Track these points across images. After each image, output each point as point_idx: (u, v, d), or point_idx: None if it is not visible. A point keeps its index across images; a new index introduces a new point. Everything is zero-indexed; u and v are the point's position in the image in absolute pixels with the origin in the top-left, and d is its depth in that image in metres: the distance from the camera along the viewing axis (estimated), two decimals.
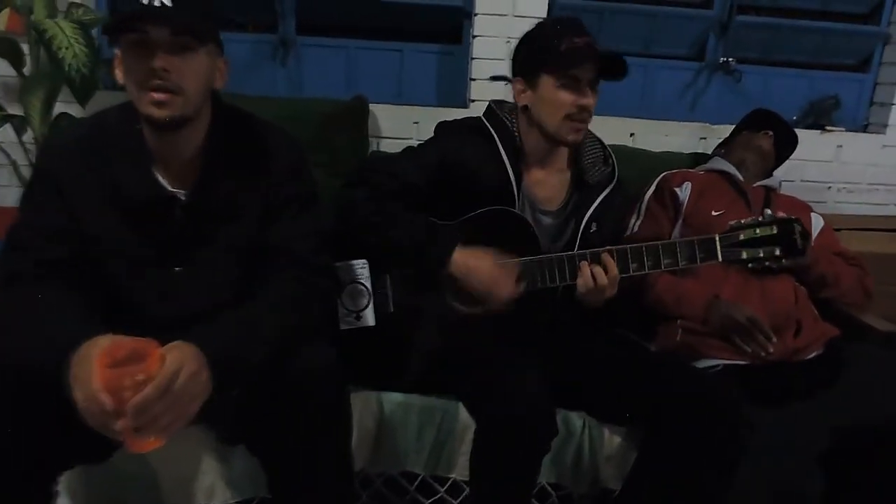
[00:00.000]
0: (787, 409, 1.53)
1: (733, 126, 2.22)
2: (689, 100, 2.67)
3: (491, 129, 1.62)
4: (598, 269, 1.47)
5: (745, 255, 1.48)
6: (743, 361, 1.68)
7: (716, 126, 2.53)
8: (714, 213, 1.90)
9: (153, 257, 1.28)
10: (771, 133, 2.12)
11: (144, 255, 1.28)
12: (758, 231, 1.48)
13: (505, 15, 2.40)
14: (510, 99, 1.65)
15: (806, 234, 1.49)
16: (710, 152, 2.28)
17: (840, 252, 1.95)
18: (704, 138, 2.54)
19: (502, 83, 2.34)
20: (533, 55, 1.56)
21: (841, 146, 2.61)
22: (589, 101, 1.51)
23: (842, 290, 1.88)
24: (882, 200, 2.68)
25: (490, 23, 2.40)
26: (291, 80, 2.50)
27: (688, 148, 2.48)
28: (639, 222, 1.97)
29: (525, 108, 1.59)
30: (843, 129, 2.63)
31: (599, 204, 1.65)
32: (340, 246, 1.56)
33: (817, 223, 2.00)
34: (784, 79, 2.67)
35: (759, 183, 2.02)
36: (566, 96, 1.50)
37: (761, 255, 1.47)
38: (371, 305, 1.56)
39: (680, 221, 1.94)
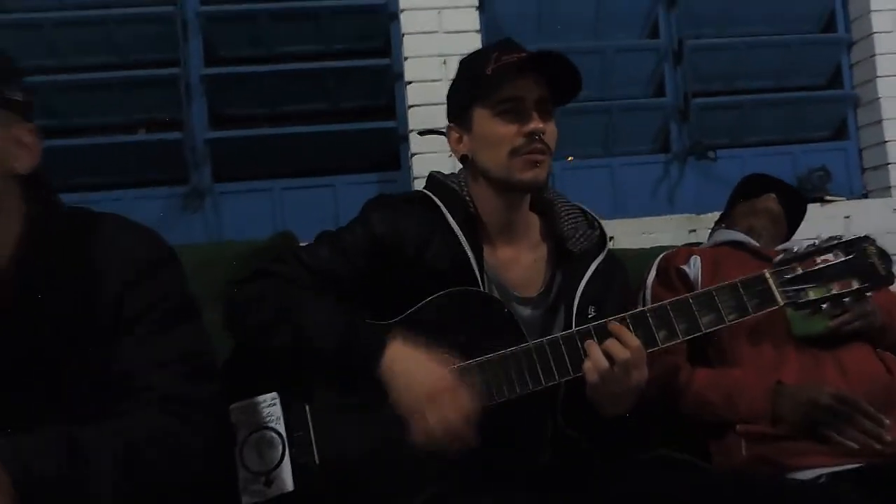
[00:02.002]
0: None
1: (720, 213, 1.88)
2: (663, 193, 2.38)
3: (434, 198, 1.22)
4: (613, 344, 1.00)
5: (812, 295, 1.03)
6: (853, 464, 1.14)
7: (702, 216, 2.20)
8: None
9: None
10: (774, 195, 1.77)
11: None
12: (818, 261, 1.04)
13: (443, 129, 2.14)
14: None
15: (885, 254, 1.06)
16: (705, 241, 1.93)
17: None
18: (694, 230, 2.21)
19: None
20: (458, 92, 1.22)
21: (849, 217, 2.29)
22: (536, 125, 1.12)
23: None
24: None
25: (429, 140, 2.14)
26: (209, 226, 2.15)
27: (679, 241, 2.12)
28: None
29: (465, 159, 1.22)
30: (844, 198, 2.33)
31: (593, 277, 1.20)
32: (237, 380, 1.07)
33: None
34: (762, 157, 2.42)
35: (779, 248, 1.62)
36: (505, 127, 1.13)
37: (835, 290, 1.03)
38: (287, 460, 1.03)
39: None
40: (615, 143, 2.39)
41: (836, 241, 1.06)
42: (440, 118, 2.05)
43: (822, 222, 2.22)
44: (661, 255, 1.65)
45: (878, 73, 2.36)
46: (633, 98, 2.40)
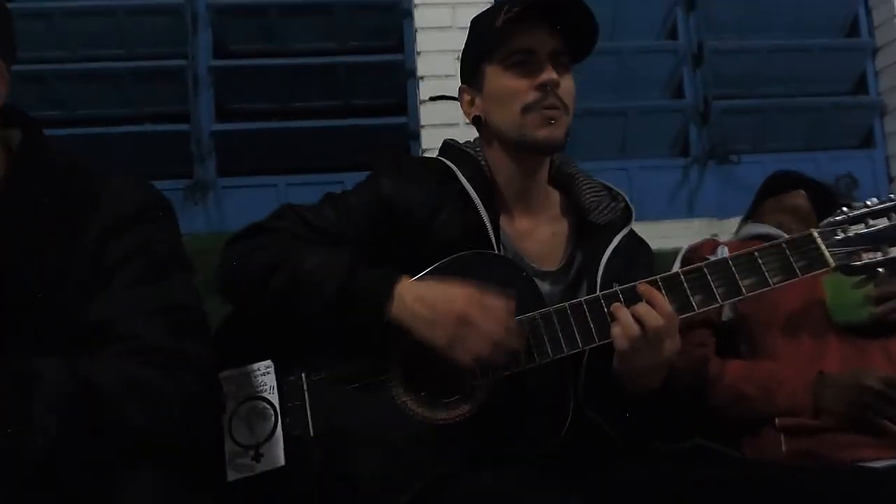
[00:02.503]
0: None
1: (743, 216, 1.79)
2: (683, 198, 2.29)
3: (448, 162, 1.14)
4: (643, 308, 0.90)
5: (865, 258, 0.92)
6: None
7: (724, 220, 2.11)
8: None
9: None
10: (803, 192, 1.67)
11: None
12: (871, 222, 0.94)
13: (455, 124, 2.08)
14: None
15: None
16: None
17: None
18: (716, 234, 2.11)
19: None
20: (471, 49, 1.15)
21: None
22: (550, 75, 1.03)
23: None
24: None
25: (439, 135, 2.08)
26: (211, 221, 2.08)
27: None
28: None
29: (478, 121, 1.14)
30: None
31: (617, 250, 1.11)
32: (229, 349, 0.98)
33: None
34: (786, 163, 2.30)
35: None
36: (516, 81, 1.05)
37: (892, 254, 0.92)
38: (279, 432, 0.93)
39: None
40: (633, 146, 2.31)
41: (890, 203, 0.96)
42: (453, 115, 2.03)
43: None
44: (685, 247, 1.55)
45: None
46: (652, 100, 2.33)
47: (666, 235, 2.11)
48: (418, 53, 2.15)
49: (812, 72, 2.38)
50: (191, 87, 2.11)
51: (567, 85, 1.06)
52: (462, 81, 1.16)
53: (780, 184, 1.71)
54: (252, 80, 2.18)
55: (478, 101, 1.12)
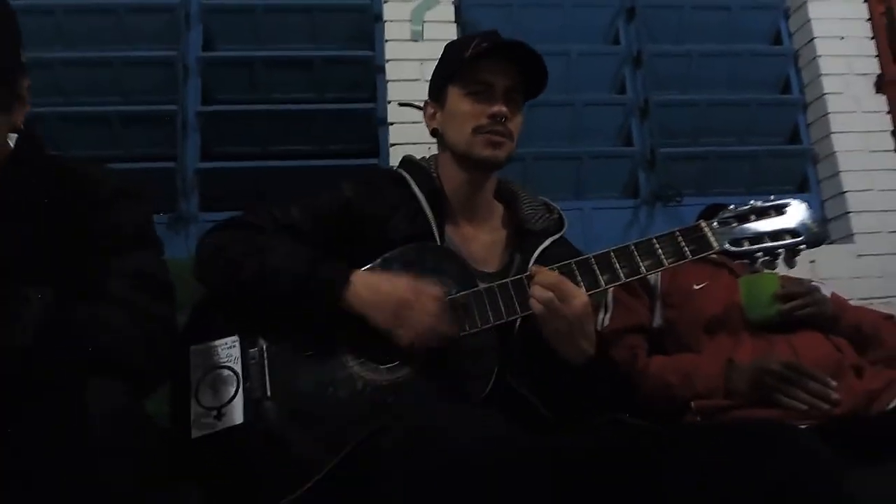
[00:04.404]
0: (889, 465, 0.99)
1: None
2: (634, 236, 2.42)
3: (404, 173, 1.31)
4: (548, 275, 1.05)
5: (749, 245, 1.08)
6: (805, 423, 1.15)
7: None
8: (696, 287, 1.54)
9: None
10: None
11: None
12: (753, 217, 1.11)
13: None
14: None
15: (818, 217, 1.13)
16: None
17: (870, 309, 1.56)
18: None
19: None
20: (440, 71, 1.33)
21: (814, 261, 2.36)
22: (500, 108, 1.22)
23: (887, 347, 1.43)
24: None
25: None
26: (192, 249, 2.19)
27: None
28: (608, 315, 1.58)
29: (436, 133, 1.31)
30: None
31: (547, 250, 1.27)
32: (199, 328, 1.12)
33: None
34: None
35: None
36: (473, 106, 1.23)
37: (769, 242, 1.09)
38: (240, 395, 1.05)
39: (658, 304, 1.57)
40: (587, 188, 2.50)
41: (772, 203, 1.12)
42: (420, 155, 2.21)
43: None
44: None
45: (833, 130, 2.52)
46: (604, 147, 2.54)
47: None
48: (388, 103, 2.35)
49: (749, 124, 2.61)
50: (179, 130, 2.29)
51: (515, 119, 1.25)
52: (429, 96, 1.35)
53: (712, 211, 1.88)
54: (236, 125, 2.37)
55: (439, 115, 1.30)
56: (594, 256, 1.09)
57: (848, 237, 2.45)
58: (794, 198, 1.13)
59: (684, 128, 2.57)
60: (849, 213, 2.45)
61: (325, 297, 1.06)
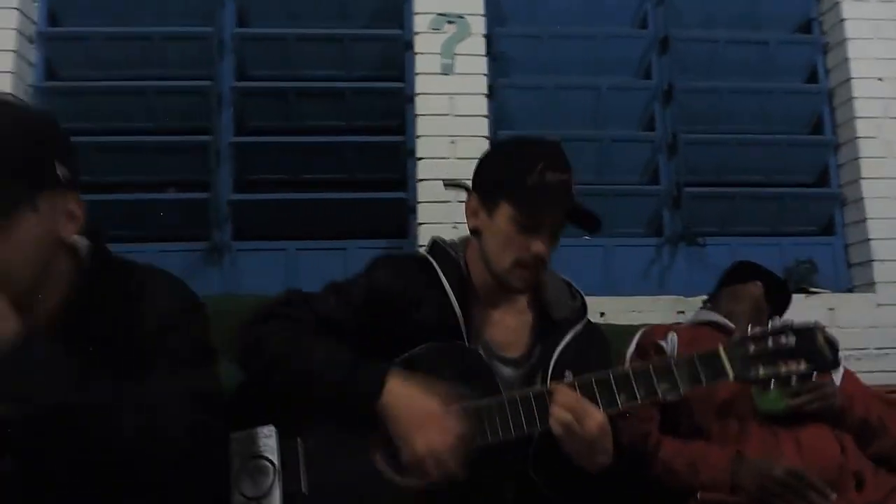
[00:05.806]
0: None
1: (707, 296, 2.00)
2: (655, 275, 2.49)
3: (431, 259, 1.36)
4: (569, 399, 1.10)
5: (761, 373, 1.13)
6: None
7: (690, 298, 2.31)
8: None
9: None
10: (760, 283, 1.88)
11: None
12: (770, 343, 1.15)
13: (448, 201, 2.31)
14: None
15: (833, 341, 1.16)
16: None
17: (877, 397, 1.59)
18: (682, 311, 2.31)
19: None
20: (495, 175, 1.32)
21: (833, 309, 2.38)
22: (544, 251, 1.24)
23: (892, 436, 1.47)
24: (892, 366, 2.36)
25: (433, 210, 2.32)
26: (227, 281, 2.29)
27: (667, 320, 2.21)
28: None
29: (475, 231, 1.35)
30: (829, 290, 2.43)
31: (570, 344, 1.31)
32: (240, 415, 1.19)
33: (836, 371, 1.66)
34: (751, 247, 2.53)
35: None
36: (521, 239, 1.24)
37: (783, 370, 1.12)
38: (277, 487, 1.13)
39: None
40: (610, 224, 2.52)
41: (787, 325, 1.16)
42: (447, 194, 2.25)
43: (806, 313, 2.31)
44: (641, 331, 1.76)
45: (863, 175, 2.50)
46: (629, 184, 2.55)
47: (636, 310, 2.32)
48: (418, 136, 2.38)
49: (778, 163, 2.60)
50: (213, 160, 2.35)
51: (549, 251, 1.26)
52: (473, 188, 1.34)
53: (740, 273, 1.91)
54: (268, 155, 2.42)
55: (483, 218, 1.30)
56: (614, 376, 1.13)
57: (869, 285, 2.45)
58: (813, 325, 1.16)
59: (711, 165, 2.58)
60: (873, 260, 2.45)
61: (360, 406, 1.12)
